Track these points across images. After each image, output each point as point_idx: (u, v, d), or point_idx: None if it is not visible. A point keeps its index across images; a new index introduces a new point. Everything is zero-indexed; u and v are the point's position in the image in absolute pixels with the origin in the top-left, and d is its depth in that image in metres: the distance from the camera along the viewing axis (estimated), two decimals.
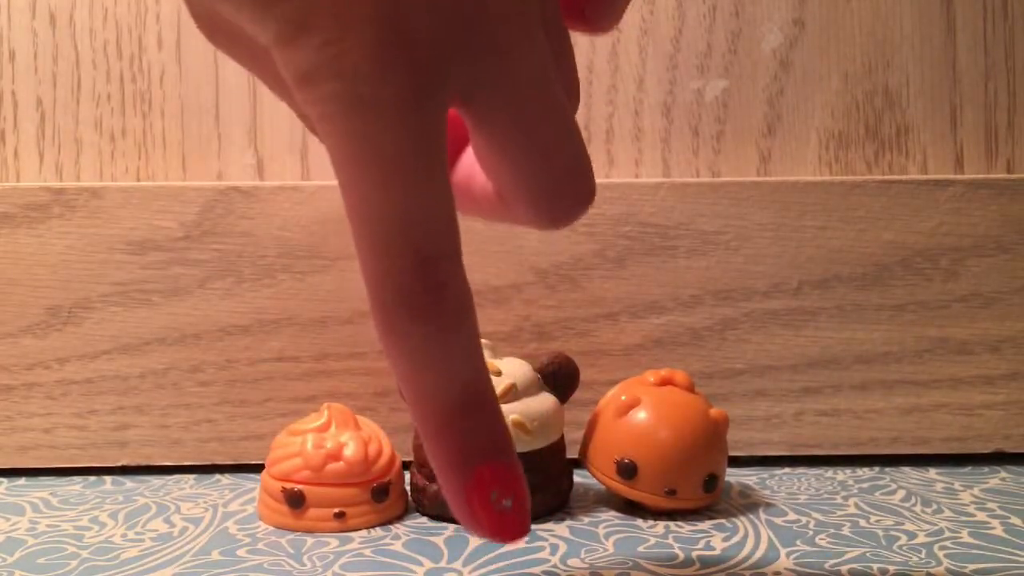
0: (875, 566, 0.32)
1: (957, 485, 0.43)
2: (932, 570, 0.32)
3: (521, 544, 0.35)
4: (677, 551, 0.34)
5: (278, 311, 0.45)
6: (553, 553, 0.34)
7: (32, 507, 0.41)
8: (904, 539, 0.35)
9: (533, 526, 0.37)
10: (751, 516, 0.38)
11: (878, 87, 0.48)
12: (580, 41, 0.46)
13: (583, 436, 0.41)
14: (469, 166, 0.24)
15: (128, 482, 0.44)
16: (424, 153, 0.19)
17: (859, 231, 0.46)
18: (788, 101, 0.48)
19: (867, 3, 0.47)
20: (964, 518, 0.38)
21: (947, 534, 0.36)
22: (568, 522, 0.38)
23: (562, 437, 0.40)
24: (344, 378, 0.46)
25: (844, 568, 0.32)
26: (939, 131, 0.48)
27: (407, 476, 0.41)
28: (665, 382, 0.39)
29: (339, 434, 0.38)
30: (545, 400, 0.39)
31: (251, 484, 0.44)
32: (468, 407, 0.20)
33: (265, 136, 0.48)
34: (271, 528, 0.37)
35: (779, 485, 0.43)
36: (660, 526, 0.37)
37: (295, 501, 0.37)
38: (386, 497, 0.38)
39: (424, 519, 0.39)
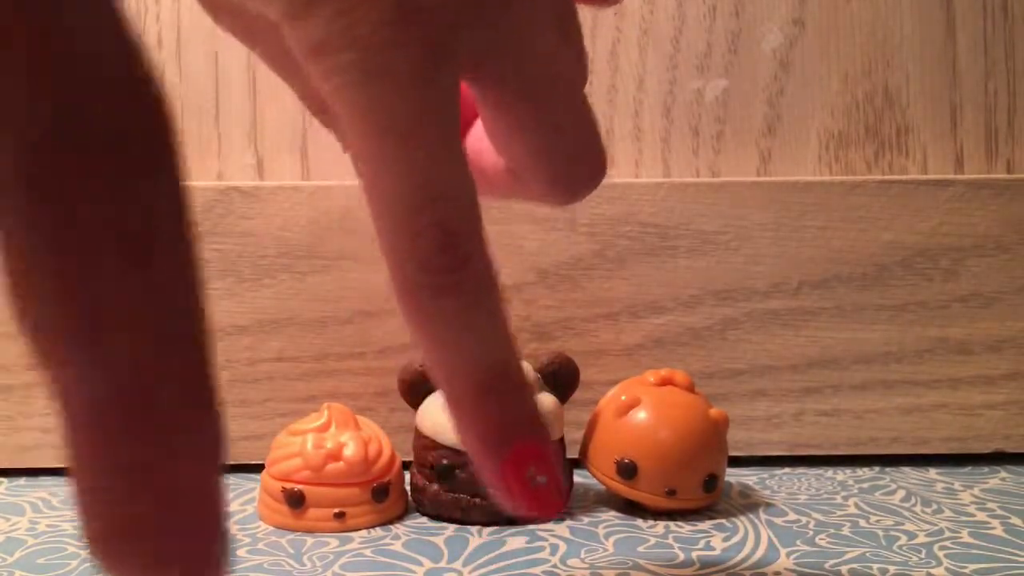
0: (875, 566, 0.32)
1: (957, 485, 0.43)
2: (932, 570, 0.32)
3: (523, 542, 0.35)
4: (677, 551, 0.34)
5: (278, 311, 0.45)
6: (553, 553, 0.34)
7: (32, 507, 0.41)
8: (904, 539, 0.35)
9: (532, 526, 0.37)
10: (751, 516, 0.38)
11: (878, 87, 0.48)
12: None
13: (583, 436, 0.40)
14: (477, 142, 0.24)
15: None
16: (441, 122, 0.18)
17: (859, 231, 0.46)
18: (788, 101, 0.48)
19: (867, 3, 0.47)
20: (964, 518, 0.38)
21: (947, 534, 0.36)
22: (568, 522, 0.38)
23: (562, 437, 0.40)
24: (344, 378, 0.46)
25: (844, 568, 0.32)
26: (939, 131, 0.48)
27: (407, 476, 0.41)
28: (665, 382, 0.39)
29: (339, 434, 0.38)
30: (545, 400, 0.39)
31: (251, 484, 0.44)
32: (499, 383, 0.19)
33: (265, 136, 0.48)
34: (271, 528, 0.37)
35: (779, 485, 0.43)
36: (660, 526, 0.37)
37: (295, 501, 0.37)
38: (386, 497, 0.38)
39: (424, 519, 0.39)
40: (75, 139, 0.12)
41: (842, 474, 0.45)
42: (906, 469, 0.45)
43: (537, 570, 0.32)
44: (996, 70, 0.48)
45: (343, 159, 0.51)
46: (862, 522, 0.37)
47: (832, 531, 0.36)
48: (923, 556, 0.33)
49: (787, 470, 0.45)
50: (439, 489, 0.38)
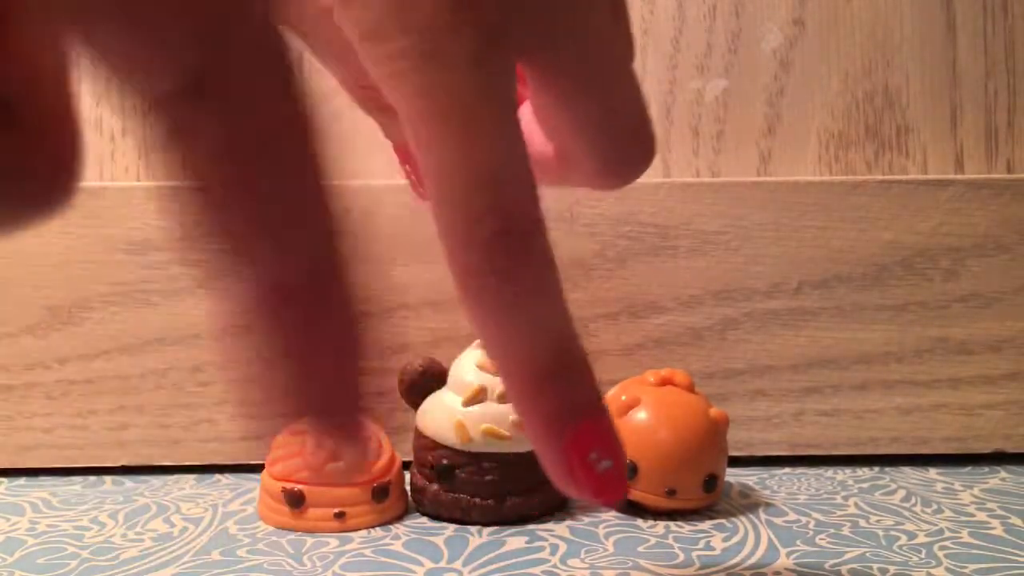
0: (875, 566, 0.32)
1: (957, 485, 0.43)
2: (932, 570, 0.32)
3: (523, 542, 0.35)
4: (677, 551, 0.34)
5: None
6: (553, 553, 0.34)
7: (32, 507, 0.41)
8: (904, 539, 0.35)
9: (532, 526, 0.37)
10: (751, 516, 0.38)
11: (878, 87, 0.48)
12: None
13: None
14: (525, 126, 0.24)
15: (128, 482, 0.44)
16: (500, 105, 0.18)
17: (859, 231, 0.46)
18: (788, 101, 0.48)
19: (867, 3, 0.47)
20: (964, 518, 0.38)
21: (947, 534, 0.36)
22: (568, 522, 0.38)
23: None
24: None
25: (844, 568, 0.32)
26: (939, 131, 0.48)
27: (407, 476, 0.41)
28: (665, 382, 0.39)
29: None
30: None
31: (251, 484, 0.44)
32: (562, 366, 0.19)
33: None
34: (271, 528, 0.37)
35: (779, 485, 0.43)
36: (660, 526, 0.37)
37: (295, 501, 0.37)
38: (386, 497, 0.38)
39: (424, 519, 0.39)
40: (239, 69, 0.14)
41: (842, 474, 0.45)
42: (906, 469, 0.45)
43: (537, 570, 0.32)
44: (996, 70, 0.48)
45: (343, 159, 0.51)
46: (862, 522, 0.37)
47: (832, 531, 0.36)
48: (923, 556, 0.33)
49: (787, 470, 0.45)
50: (439, 489, 0.38)
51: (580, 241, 0.45)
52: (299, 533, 0.37)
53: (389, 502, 0.38)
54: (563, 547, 0.35)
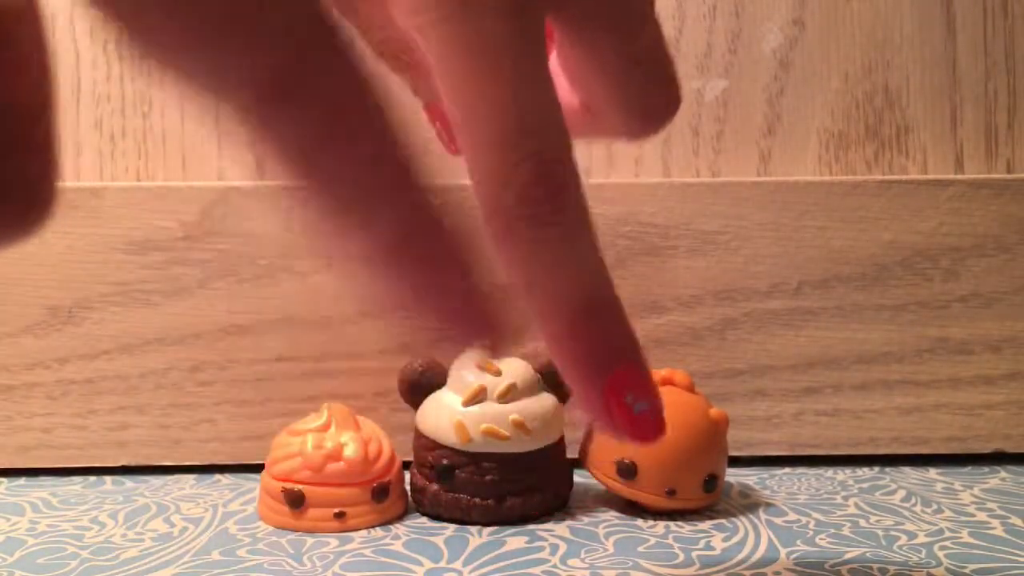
0: (875, 566, 0.32)
1: (957, 485, 0.43)
2: (932, 570, 0.32)
3: (523, 542, 0.35)
4: (677, 551, 0.34)
5: (278, 311, 0.45)
6: (553, 553, 0.34)
7: (32, 507, 0.41)
8: (904, 539, 0.35)
9: (532, 526, 0.37)
10: (751, 516, 0.38)
11: (878, 87, 0.48)
12: None
13: (583, 436, 0.40)
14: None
15: (128, 482, 0.44)
16: (535, 54, 0.19)
17: (859, 231, 0.46)
18: (788, 101, 0.48)
19: (867, 3, 0.47)
20: (964, 518, 0.38)
21: (947, 534, 0.36)
22: (568, 522, 0.38)
23: (562, 437, 0.40)
24: (344, 378, 0.46)
25: (844, 568, 0.32)
26: (939, 131, 0.48)
27: (407, 476, 0.41)
28: (665, 382, 0.39)
29: (339, 434, 0.38)
30: (545, 400, 0.39)
31: (251, 484, 0.44)
32: (598, 309, 0.20)
33: None
34: (271, 528, 0.37)
35: (779, 485, 0.43)
36: (660, 526, 0.37)
37: (295, 501, 0.37)
38: (386, 497, 0.38)
39: (424, 519, 0.39)
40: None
41: (842, 474, 0.45)
42: (906, 469, 0.45)
43: (537, 570, 0.32)
44: (996, 70, 0.48)
45: None
46: (862, 522, 0.37)
47: (832, 531, 0.36)
48: (923, 556, 0.33)
49: (787, 470, 0.45)
50: (439, 489, 0.38)
51: None
52: (299, 533, 0.37)
53: (389, 502, 0.38)
54: (563, 547, 0.35)
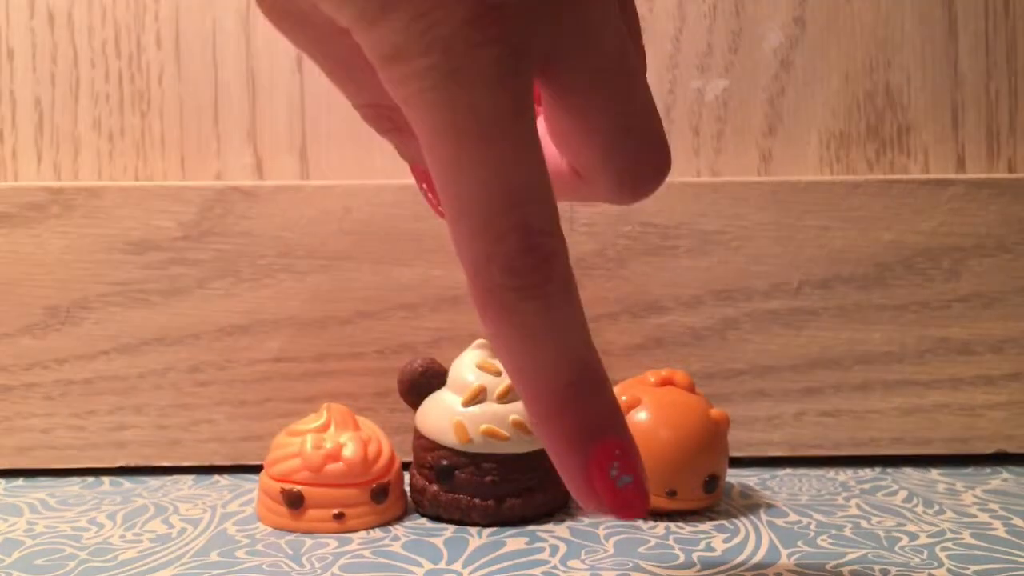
0: (877, 567, 0.32)
1: (959, 486, 0.42)
2: (934, 571, 0.32)
3: (523, 542, 0.35)
4: (678, 552, 0.34)
5: (278, 311, 0.45)
6: (553, 554, 0.34)
7: (30, 508, 0.40)
8: (906, 540, 0.35)
9: (532, 526, 0.37)
10: (752, 517, 0.38)
11: (879, 86, 0.48)
12: None
13: None
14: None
15: (126, 483, 0.44)
16: (523, 122, 0.18)
17: (860, 231, 0.46)
18: (789, 100, 0.48)
19: (868, 2, 0.47)
20: (966, 519, 0.38)
21: (949, 535, 0.36)
22: (568, 523, 0.38)
23: None
24: (344, 378, 0.45)
25: (845, 569, 0.32)
26: (941, 130, 0.48)
27: (407, 477, 0.40)
28: (665, 382, 0.39)
29: (338, 435, 0.38)
30: None
31: (250, 485, 0.44)
32: (584, 383, 0.19)
33: (264, 136, 0.48)
34: (270, 529, 0.37)
35: (780, 486, 0.43)
36: (660, 527, 0.37)
37: (294, 502, 0.37)
38: (385, 498, 0.38)
39: (424, 520, 0.39)
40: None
41: (843, 475, 0.44)
42: (908, 470, 0.45)
43: (537, 571, 0.32)
44: (998, 70, 0.48)
45: (343, 159, 0.51)
46: (864, 523, 0.37)
47: (833, 532, 0.36)
48: (925, 557, 0.33)
49: (788, 471, 0.45)
50: (439, 490, 0.38)
51: (580, 241, 0.45)
52: (298, 534, 0.37)
53: (388, 503, 0.38)
54: (563, 548, 0.35)
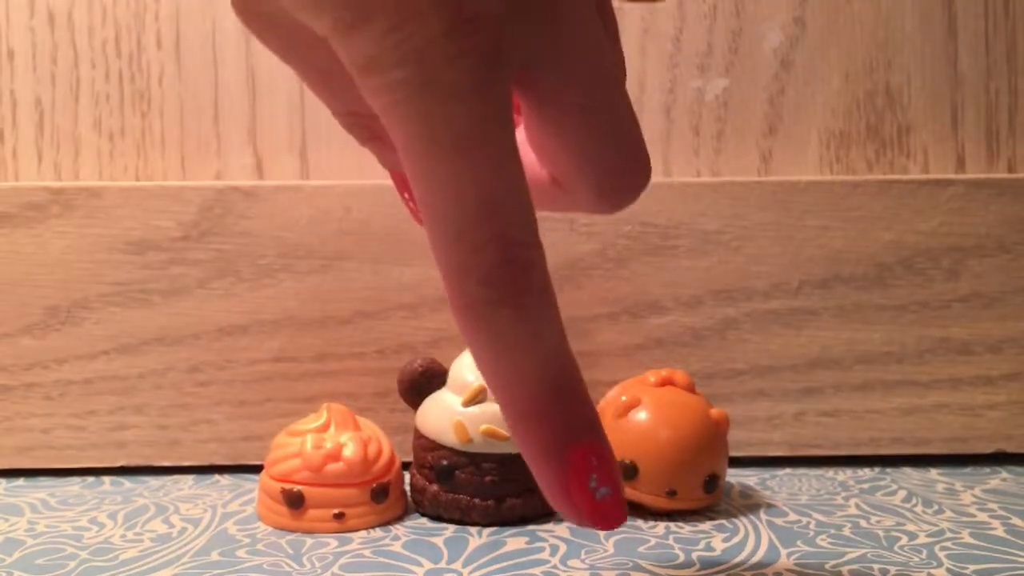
0: (876, 567, 0.32)
1: (958, 486, 0.43)
2: (933, 571, 0.32)
3: (523, 542, 0.35)
4: (677, 552, 0.34)
5: (277, 311, 0.45)
6: (553, 554, 0.34)
7: (31, 508, 0.40)
8: (905, 540, 0.35)
9: (532, 526, 0.37)
10: (752, 517, 0.38)
11: (879, 86, 0.48)
12: None
13: None
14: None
15: (127, 482, 0.44)
16: (501, 132, 0.18)
17: (860, 231, 0.46)
18: (789, 100, 0.48)
19: (868, 2, 0.47)
20: (965, 519, 0.38)
21: (948, 535, 0.36)
22: (568, 523, 0.38)
23: None
24: (344, 378, 0.45)
25: (845, 569, 0.32)
26: (940, 131, 0.48)
27: (407, 477, 0.40)
28: (665, 382, 0.39)
29: (338, 434, 0.38)
30: None
31: (250, 485, 0.44)
32: (560, 390, 0.19)
33: (264, 136, 0.48)
34: (270, 529, 0.37)
35: (780, 485, 0.43)
36: (660, 527, 0.37)
37: (294, 502, 0.37)
38: (386, 498, 0.38)
39: (424, 520, 0.39)
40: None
41: (843, 474, 0.44)
42: (907, 469, 0.45)
43: (537, 571, 0.32)
44: (997, 70, 0.48)
45: (343, 159, 0.51)
46: (863, 523, 0.37)
47: (833, 532, 0.36)
48: (924, 557, 0.33)
49: (788, 470, 0.45)
50: (439, 490, 0.38)
51: (580, 241, 0.45)
52: (298, 534, 0.37)
53: (388, 502, 0.38)
54: (563, 548, 0.35)
